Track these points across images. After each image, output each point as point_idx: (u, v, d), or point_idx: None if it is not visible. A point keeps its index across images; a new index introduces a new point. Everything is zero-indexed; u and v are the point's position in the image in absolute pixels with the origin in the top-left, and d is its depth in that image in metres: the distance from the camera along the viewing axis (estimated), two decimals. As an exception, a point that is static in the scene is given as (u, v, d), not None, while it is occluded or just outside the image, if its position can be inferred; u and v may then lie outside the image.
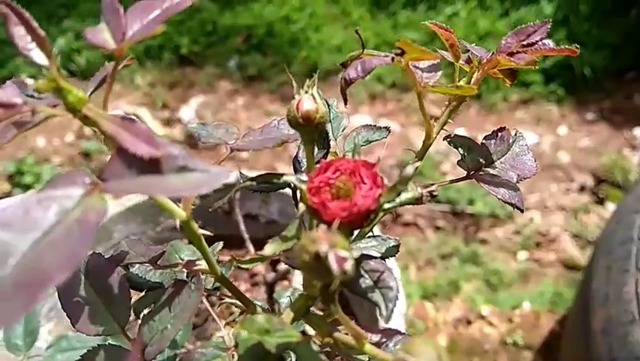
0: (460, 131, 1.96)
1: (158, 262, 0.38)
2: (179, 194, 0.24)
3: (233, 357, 0.32)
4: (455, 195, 1.67)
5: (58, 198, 0.22)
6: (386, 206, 0.30)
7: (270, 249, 0.31)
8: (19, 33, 0.28)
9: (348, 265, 0.25)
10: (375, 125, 0.43)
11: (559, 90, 2.14)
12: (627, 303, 0.79)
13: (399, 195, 0.30)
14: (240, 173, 0.35)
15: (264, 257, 0.33)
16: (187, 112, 2.07)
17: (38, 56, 0.28)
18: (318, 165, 0.30)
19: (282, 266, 0.82)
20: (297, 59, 2.33)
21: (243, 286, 0.92)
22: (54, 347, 0.58)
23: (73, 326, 0.35)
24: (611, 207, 1.66)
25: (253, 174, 0.35)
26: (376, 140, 0.42)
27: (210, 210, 0.40)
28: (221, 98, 2.18)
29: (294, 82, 0.35)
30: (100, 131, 0.27)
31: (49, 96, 0.27)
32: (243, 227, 0.86)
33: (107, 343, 0.36)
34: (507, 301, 1.37)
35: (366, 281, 0.31)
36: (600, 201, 1.71)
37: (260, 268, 0.88)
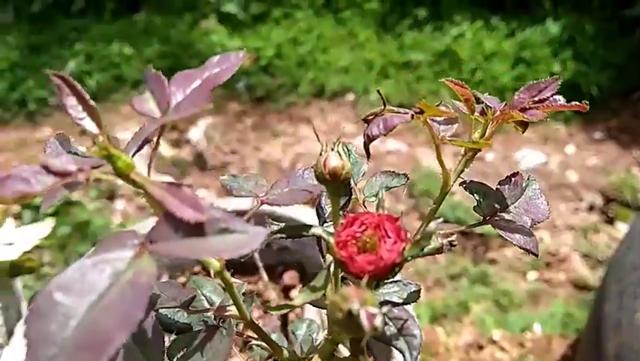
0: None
1: (189, 306, 0.39)
2: (221, 255, 0.26)
3: None
4: (464, 215, 1.66)
5: (110, 260, 0.24)
6: (414, 254, 0.32)
7: (300, 299, 0.33)
8: (71, 103, 0.30)
9: (378, 321, 0.26)
10: (393, 172, 0.45)
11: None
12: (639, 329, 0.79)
13: (422, 249, 0.32)
14: (267, 216, 0.36)
15: (293, 306, 0.34)
16: (196, 133, 2.09)
17: (90, 125, 0.31)
18: (344, 220, 0.32)
19: (293, 292, 0.82)
20: (305, 80, 2.35)
21: (255, 313, 0.92)
22: None
23: None
24: (620, 226, 1.65)
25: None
26: (395, 186, 0.44)
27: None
28: (230, 119, 2.20)
29: (320, 139, 0.36)
30: (148, 197, 0.28)
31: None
32: (256, 254, 0.87)
33: None
34: (517, 323, 1.36)
35: (390, 329, 0.33)
36: (610, 221, 1.70)
37: (272, 293, 0.89)
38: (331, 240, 0.32)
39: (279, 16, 2.78)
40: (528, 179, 0.43)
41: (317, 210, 0.42)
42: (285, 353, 0.38)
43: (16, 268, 0.84)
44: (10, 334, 0.84)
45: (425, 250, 0.32)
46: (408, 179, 0.45)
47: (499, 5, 2.67)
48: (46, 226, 0.88)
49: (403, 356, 0.32)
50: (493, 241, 1.62)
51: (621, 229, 1.64)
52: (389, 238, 0.31)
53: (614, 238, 1.62)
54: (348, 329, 0.27)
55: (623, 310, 0.84)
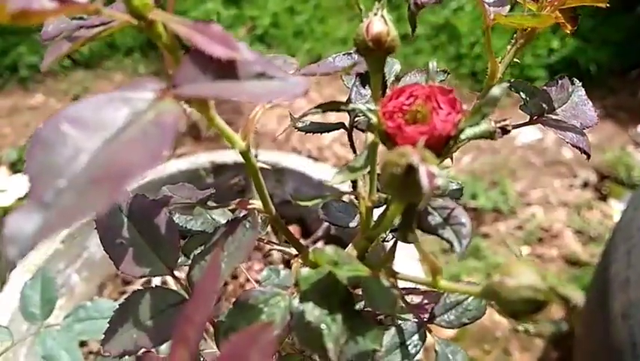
0: (464, 125, 1.96)
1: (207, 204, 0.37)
2: (257, 100, 0.24)
3: (293, 295, 0.30)
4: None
5: (128, 100, 0.21)
6: (464, 135, 0.28)
7: (338, 178, 0.30)
8: None
9: (440, 181, 0.23)
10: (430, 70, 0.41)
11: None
12: None
13: (483, 117, 0.28)
14: (256, 154, 0.34)
15: (332, 188, 0.31)
16: (190, 102, 2.07)
17: None
18: (390, 92, 0.28)
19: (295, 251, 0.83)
20: (302, 51, 2.32)
21: (257, 266, 0.92)
22: (72, 317, 0.59)
23: (117, 268, 0.34)
24: (613, 203, 1.66)
25: (273, 156, 0.34)
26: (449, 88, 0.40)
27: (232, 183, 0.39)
28: (225, 89, 2.18)
29: (359, 4, 0.32)
30: (164, 45, 0.25)
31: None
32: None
33: (155, 285, 0.35)
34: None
35: (435, 218, 0.30)
36: (603, 198, 1.70)
37: (275, 255, 0.89)
38: (373, 116, 0.29)
39: (276, -15, 2.73)
40: (574, 84, 0.41)
41: (347, 102, 0.38)
42: (311, 254, 0.34)
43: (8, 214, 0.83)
44: (2, 282, 0.84)
45: (479, 130, 0.29)
46: (448, 74, 0.41)
47: (500, -22, 2.63)
48: None
49: (451, 246, 0.29)
50: (487, 216, 1.63)
51: (614, 206, 1.65)
52: (441, 109, 0.27)
53: (607, 215, 1.62)
54: (404, 190, 0.24)
55: (632, 268, 0.85)
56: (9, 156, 1.81)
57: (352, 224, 0.41)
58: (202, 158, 1.01)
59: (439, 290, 0.29)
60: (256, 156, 0.33)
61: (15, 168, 1.78)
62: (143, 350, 0.32)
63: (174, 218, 0.40)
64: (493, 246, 1.54)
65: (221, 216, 0.42)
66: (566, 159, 1.85)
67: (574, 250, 1.52)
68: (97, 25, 0.25)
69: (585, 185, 1.75)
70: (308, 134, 0.42)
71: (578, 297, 0.24)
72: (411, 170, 0.23)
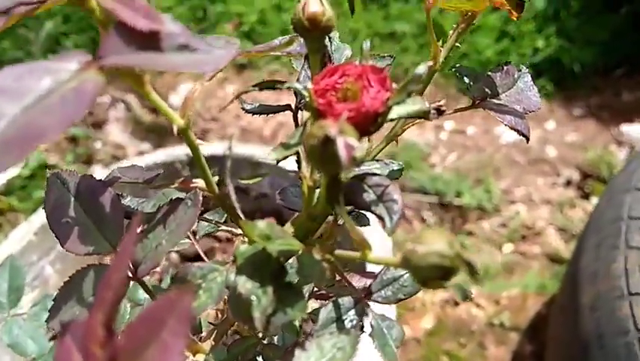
0: (449, 124, 1.97)
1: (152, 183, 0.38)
2: (179, 70, 0.24)
3: (230, 270, 0.31)
4: (442, 187, 1.68)
5: (51, 70, 0.22)
6: (394, 114, 0.29)
7: (274, 154, 0.30)
8: None
9: (357, 153, 0.24)
10: (378, 55, 0.43)
11: (547, 85, 2.15)
12: (616, 279, 0.81)
13: (409, 95, 0.29)
14: (230, 147, 0.34)
15: (266, 174, 0.33)
16: (176, 99, 2.06)
17: None
18: (323, 70, 0.29)
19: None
20: (288, 48, 2.32)
21: (219, 257, 0.93)
22: (39, 306, 0.58)
23: (62, 246, 0.35)
24: (596, 201, 1.68)
25: (242, 148, 0.35)
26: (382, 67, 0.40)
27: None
28: (211, 86, 2.17)
29: None
30: (97, 17, 0.26)
31: None
32: (234, 198, 0.86)
33: (99, 263, 0.36)
34: (492, 291, 1.39)
35: (370, 196, 0.31)
36: (586, 196, 1.72)
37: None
38: (306, 94, 0.29)
39: (263, -18, 2.72)
40: (520, 71, 0.42)
41: (297, 80, 0.40)
42: (257, 229, 0.34)
43: None
44: None
45: (411, 109, 0.29)
46: (394, 59, 0.42)
47: (486, -22, 2.65)
48: (13, 169, 0.86)
49: (382, 222, 0.29)
50: (471, 214, 1.64)
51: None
52: (372, 87, 0.28)
53: (590, 214, 1.65)
54: (323, 161, 0.25)
55: (600, 261, 0.86)
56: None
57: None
58: (178, 150, 1.00)
59: (367, 262, 0.30)
60: (229, 148, 0.33)
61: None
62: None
63: (126, 200, 0.40)
64: (477, 243, 1.55)
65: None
66: (550, 157, 1.87)
67: (556, 248, 1.54)
68: (34, 3, 0.25)
69: (568, 183, 1.77)
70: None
71: (477, 263, 0.25)
72: (328, 141, 0.24)
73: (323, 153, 0.24)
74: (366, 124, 0.28)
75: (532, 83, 0.42)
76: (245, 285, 0.28)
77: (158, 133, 1.93)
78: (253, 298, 0.28)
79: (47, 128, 0.20)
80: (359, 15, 2.52)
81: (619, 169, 1.75)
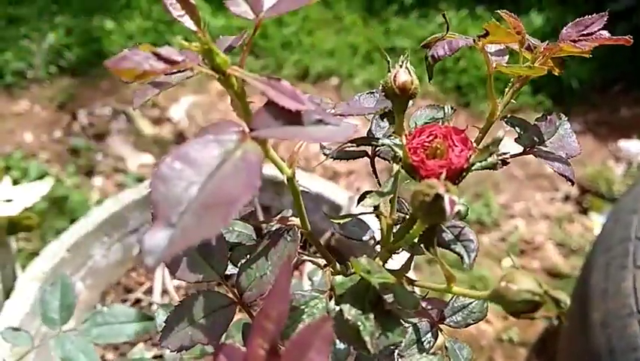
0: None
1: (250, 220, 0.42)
2: (317, 141, 0.29)
3: (330, 299, 0.36)
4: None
5: (220, 141, 0.27)
6: (473, 167, 0.34)
7: (369, 201, 0.36)
8: (169, 1, 0.32)
9: (459, 207, 0.29)
10: (439, 105, 0.47)
11: (546, 101, 2.17)
12: (626, 297, 0.84)
13: (491, 155, 0.34)
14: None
15: (355, 215, 0.39)
16: (177, 111, 2.07)
17: (188, 22, 0.33)
18: (413, 130, 0.34)
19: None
20: (289, 62, 2.34)
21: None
22: (89, 322, 0.62)
23: (173, 275, 0.38)
24: (594, 217, 1.69)
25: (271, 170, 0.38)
26: (441, 118, 0.45)
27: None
28: (212, 99, 2.18)
29: (387, 57, 0.38)
30: (235, 93, 0.31)
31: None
32: (261, 217, 0.90)
33: (207, 289, 0.39)
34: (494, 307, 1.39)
35: (448, 236, 0.36)
36: (584, 211, 1.73)
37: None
38: (398, 149, 0.35)
39: (264, -3, 2.75)
40: (561, 119, 0.47)
41: (368, 135, 0.45)
42: (338, 265, 0.41)
43: (14, 225, 0.84)
44: (7, 291, 0.85)
45: (485, 163, 0.35)
46: (454, 110, 0.46)
47: (485, -6, 2.68)
48: (45, 184, 0.88)
49: (462, 259, 0.36)
50: (471, 228, 1.64)
51: (595, 219, 1.68)
52: (456, 146, 0.33)
53: (588, 228, 1.65)
54: (430, 214, 0.30)
55: (610, 280, 0.89)
56: (-7, 163, 1.79)
57: (365, 238, 0.47)
58: None
59: (453, 294, 0.35)
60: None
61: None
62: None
63: None
64: (477, 258, 1.55)
65: (249, 230, 0.46)
66: (548, 172, 1.88)
67: (555, 262, 1.54)
68: (181, 71, 0.31)
69: (566, 198, 1.78)
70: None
71: (565, 298, 0.30)
72: (437, 198, 0.29)
73: (432, 207, 0.29)
74: (453, 178, 0.33)
75: (571, 130, 0.46)
76: (350, 312, 0.33)
77: (159, 145, 1.94)
78: (359, 323, 0.32)
79: (236, 195, 0.25)
80: (359, 30, 2.54)
81: (617, 185, 1.76)
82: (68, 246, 0.89)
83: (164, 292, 0.93)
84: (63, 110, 2.12)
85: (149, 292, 0.95)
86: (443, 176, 0.31)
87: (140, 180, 1.79)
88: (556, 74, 0.43)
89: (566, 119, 0.47)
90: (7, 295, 0.85)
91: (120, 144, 1.93)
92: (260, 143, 0.28)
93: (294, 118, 0.28)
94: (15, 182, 1.74)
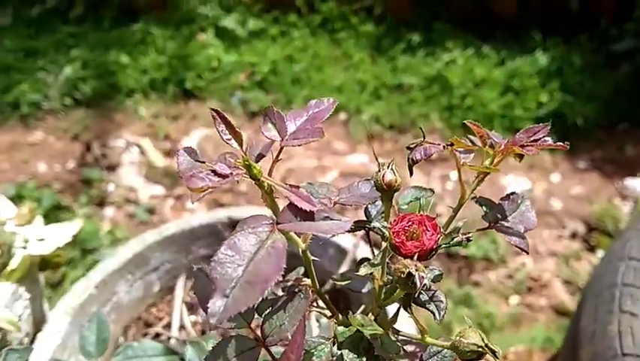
0: (455, 175, 2.00)
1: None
2: (325, 233, 0.39)
3: (333, 344, 0.47)
4: (464, 227, 1.69)
5: (256, 233, 0.38)
6: (442, 246, 0.45)
7: (363, 270, 0.47)
8: (221, 128, 0.44)
9: (426, 281, 0.40)
10: (422, 187, 0.57)
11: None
12: (611, 340, 0.89)
13: (453, 239, 0.48)
14: None
15: (360, 276, 0.49)
16: (188, 144, 2.11)
17: (234, 144, 0.44)
18: (396, 217, 0.45)
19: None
20: (299, 97, 2.39)
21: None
22: (121, 355, 0.67)
23: (214, 324, 0.46)
24: (601, 254, 1.69)
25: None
26: (423, 197, 0.56)
27: None
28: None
29: (376, 158, 0.50)
30: (266, 192, 0.43)
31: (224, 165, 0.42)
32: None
33: (237, 335, 0.47)
34: (499, 345, 1.39)
35: (424, 297, 0.47)
36: (591, 249, 1.74)
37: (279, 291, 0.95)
38: (385, 231, 0.48)
39: (275, 34, 2.82)
40: (522, 198, 0.56)
41: (365, 212, 0.55)
42: (340, 316, 0.52)
43: (45, 263, 0.89)
44: (36, 323, 0.88)
45: (452, 243, 0.47)
46: (433, 192, 0.57)
47: (491, 34, 2.73)
48: (76, 224, 0.93)
49: (434, 315, 0.46)
50: (478, 264, 1.65)
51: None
52: (428, 231, 0.43)
53: (595, 266, 1.65)
54: (405, 286, 0.41)
55: (597, 323, 0.94)
56: (7, 192, 1.83)
57: (364, 290, 0.58)
58: (221, 213, 1.09)
59: (425, 344, 0.47)
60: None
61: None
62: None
63: None
64: (484, 294, 1.56)
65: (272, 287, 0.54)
66: (555, 209, 1.89)
67: (562, 300, 1.54)
68: (228, 177, 0.41)
69: (574, 236, 1.79)
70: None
71: (499, 349, 0.43)
72: (410, 275, 0.40)
73: (406, 281, 0.40)
74: (425, 255, 0.43)
75: (530, 206, 0.55)
76: (348, 356, 0.46)
77: (171, 177, 1.97)
78: None
79: (269, 275, 0.35)
80: (367, 67, 2.60)
81: (624, 222, 1.77)
82: (96, 283, 0.93)
83: (182, 327, 0.96)
84: (77, 141, 2.17)
85: (168, 326, 0.98)
86: (415, 257, 0.41)
87: (151, 211, 1.81)
88: (517, 161, 0.54)
89: (527, 198, 0.56)
90: (36, 327, 0.88)
91: (132, 176, 1.96)
92: (284, 233, 0.38)
93: (308, 215, 0.39)
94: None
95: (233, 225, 1.06)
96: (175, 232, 1.03)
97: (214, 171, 0.40)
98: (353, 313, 0.52)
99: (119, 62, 2.55)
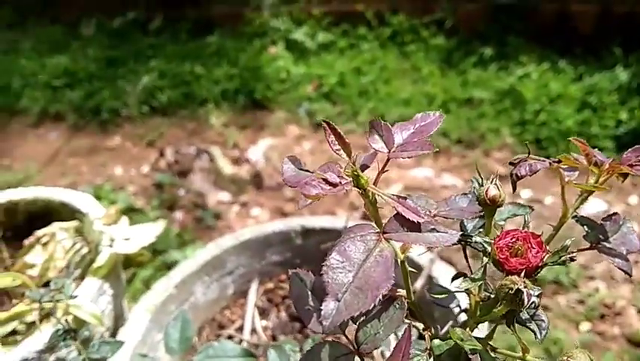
0: (527, 192, 1.94)
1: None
2: (432, 245, 0.39)
3: (429, 356, 0.46)
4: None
5: (364, 240, 0.39)
6: (548, 264, 0.44)
7: (464, 284, 0.46)
8: (331, 139, 0.44)
9: (534, 299, 0.39)
10: (519, 203, 0.55)
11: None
12: None
13: (560, 258, 0.45)
14: (346, 220, 0.46)
15: (455, 291, 0.49)
16: (255, 152, 2.16)
17: (343, 155, 0.44)
18: (500, 233, 0.44)
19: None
20: (365, 110, 2.39)
21: None
22: (203, 353, 0.69)
23: (306, 326, 0.48)
24: (684, 284, 1.58)
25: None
26: (521, 214, 0.54)
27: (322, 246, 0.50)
28: (289, 142, 2.26)
29: (480, 175, 0.49)
30: (369, 202, 0.42)
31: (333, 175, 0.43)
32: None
33: (332, 340, 0.47)
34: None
35: (525, 315, 0.45)
36: (672, 277, 1.62)
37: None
38: (487, 246, 0.46)
39: (344, 46, 2.85)
40: (624, 219, 0.54)
41: (461, 227, 0.54)
42: (433, 329, 0.50)
43: (129, 261, 0.94)
44: (116, 319, 0.93)
45: (556, 262, 0.45)
46: (532, 210, 0.55)
47: (568, 49, 2.64)
48: (159, 225, 0.97)
49: (535, 334, 0.44)
50: (547, 287, 1.58)
51: (684, 287, 1.57)
52: (534, 248, 0.42)
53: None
54: (512, 302, 0.40)
55: None
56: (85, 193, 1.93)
57: (452, 305, 0.58)
58: (294, 222, 1.12)
59: None
60: (347, 222, 0.45)
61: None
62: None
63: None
64: (552, 319, 1.49)
65: None
66: (633, 233, 1.79)
67: (637, 330, 1.45)
68: (337, 186, 0.41)
69: (653, 262, 1.68)
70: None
71: None
72: (518, 292, 0.39)
73: (513, 298, 0.39)
74: (530, 273, 0.42)
75: (632, 228, 0.53)
76: None
77: (237, 184, 2.02)
78: None
79: (379, 283, 0.36)
80: (436, 80, 2.57)
81: None
82: (175, 283, 0.97)
83: (253, 330, 0.98)
84: (152, 147, 2.27)
85: (240, 329, 1.00)
86: (523, 273, 0.40)
87: (217, 216, 1.86)
88: (620, 181, 0.51)
89: (629, 219, 0.54)
90: (116, 323, 0.92)
91: (201, 181, 2.03)
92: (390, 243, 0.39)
93: (414, 226, 0.39)
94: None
95: (305, 233, 1.11)
96: (250, 237, 1.06)
97: (325, 180, 0.41)
98: (428, 328, 0.52)
99: (193, 72, 2.65)
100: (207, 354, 0.68)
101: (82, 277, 0.87)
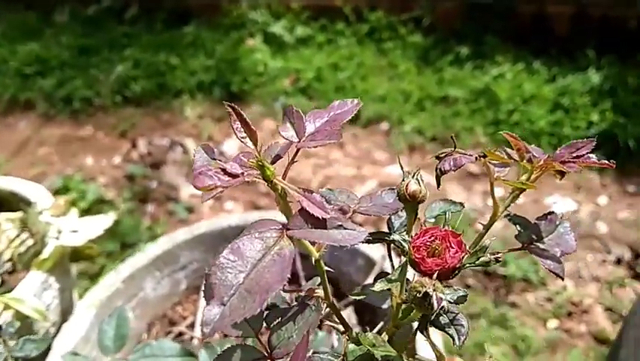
0: (499, 191, 1.96)
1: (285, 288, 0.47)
2: (337, 243, 0.35)
3: None
4: (499, 246, 1.65)
5: (262, 237, 0.35)
6: (466, 265, 0.41)
7: (379, 286, 0.43)
8: (236, 126, 0.41)
9: (443, 303, 0.36)
10: (451, 200, 0.53)
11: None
12: None
13: (478, 258, 0.42)
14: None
15: (374, 292, 0.45)
16: (230, 146, 2.14)
17: (249, 143, 0.40)
18: (419, 231, 0.41)
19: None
20: (342, 105, 2.38)
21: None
22: (139, 353, 0.66)
23: (218, 330, 0.46)
24: (648, 283, 1.62)
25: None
26: (452, 212, 0.52)
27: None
28: (265, 136, 2.24)
29: (402, 167, 0.46)
30: (279, 195, 0.40)
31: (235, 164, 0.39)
32: (299, 265, 0.93)
33: (243, 343, 0.45)
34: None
35: (444, 319, 0.43)
36: (637, 276, 1.66)
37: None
38: (405, 245, 0.43)
39: (322, 41, 2.84)
40: (561, 218, 0.51)
41: (388, 224, 0.51)
42: (353, 333, 0.47)
43: (77, 254, 0.90)
44: (64, 314, 0.90)
45: (477, 262, 0.42)
46: (463, 206, 0.52)
47: (544, 50, 2.67)
48: (109, 218, 0.94)
49: (453, 340, 0.41)
50: (516, 285, 1.61)
51: (648, 286, 1.61)
52: (452, 248, 0.40)
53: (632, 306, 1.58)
54: (421, 307, 0.37)
55: (637, 356, 0.89)
56: (54, 184, 1.89)
57: (384, 306, 0.56)
58: (251, 216, 1.09)
59: None
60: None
61: (58, 195, 1.85)
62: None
63: None
64: (521, 316, 1.51)
65: (284, 295, 0.54)
66: (601, 233, 1.83)
67: (603, 328, 1.48)
68: (238, 177, 0.38)
69: (619, 261, 1.72)
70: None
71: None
72: (426, 295, 0.36)
73: (422, 301, 0.37)
74: (447, 275, 0.40)
75: (569, 228, 0.50)
76: None
77: (211, 178, 1.99)
78: None
79: (271, 284, 0.32)
80: (412, 78, 2.58)
81: (674, 252, 1.69)
82: (124, 278, 0.94)
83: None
84: (124, 138, 2.23)
85: (192, 326, 0.98)
86: (435, 275, 0.38)
87: (190, 209, 1.84)
88: (557, 180, 0.48)
89: (566, 219, 0.51)
90: (63, 318, 0.89)
91: (174, 174, 2.00)
92: (295, 240, 0.36)
93: (319, 223, 0.36)
94: (72, 204, 1.82)
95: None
96: (205, 231, 1.03)
97: (224, 170, 0.37)
98: (346, 332, 0.48)
99: (169, 63, 2.61)
100: (143, 353, 0.65)
101: (27, 270, 0.84)
